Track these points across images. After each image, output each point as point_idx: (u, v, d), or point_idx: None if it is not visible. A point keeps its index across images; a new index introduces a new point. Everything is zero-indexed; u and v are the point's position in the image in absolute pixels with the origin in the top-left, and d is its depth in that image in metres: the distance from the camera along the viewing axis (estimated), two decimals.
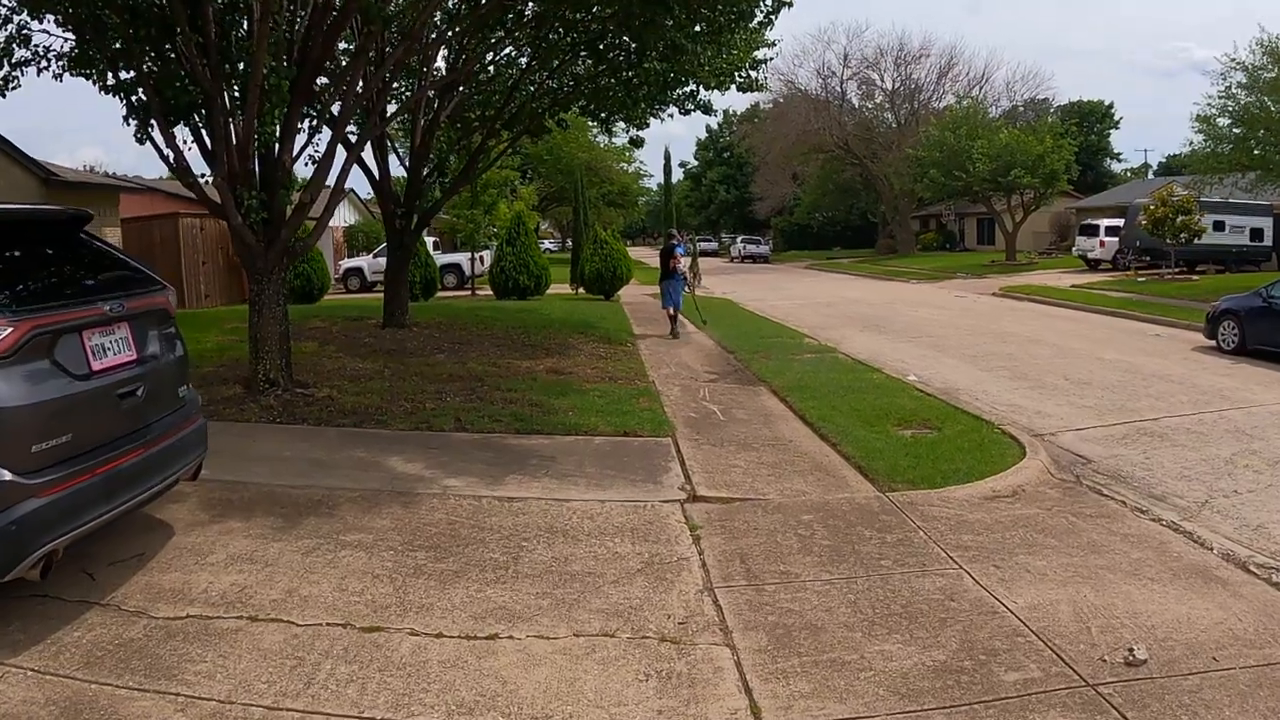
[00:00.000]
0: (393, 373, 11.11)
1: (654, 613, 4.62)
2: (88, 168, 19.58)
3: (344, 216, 37.90)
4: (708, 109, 15.66)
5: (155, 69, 8.61)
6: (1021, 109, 53.72)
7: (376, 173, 15.26)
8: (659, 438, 8.28)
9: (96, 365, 4.49)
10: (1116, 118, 68.60)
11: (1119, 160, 71.15)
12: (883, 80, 55.33)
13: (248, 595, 4.72)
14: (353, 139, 12.37)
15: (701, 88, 14.63)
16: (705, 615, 4.61)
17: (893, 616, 4.60)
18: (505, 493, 6.54)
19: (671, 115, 16.80)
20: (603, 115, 16.08)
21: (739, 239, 62.87)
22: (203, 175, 8.91)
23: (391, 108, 15.30)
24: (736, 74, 14.22)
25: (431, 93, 15.43)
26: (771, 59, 14.57)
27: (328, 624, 4.40)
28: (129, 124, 8.86)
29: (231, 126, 8.53)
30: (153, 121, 8.60)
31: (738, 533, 5.88)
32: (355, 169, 15.31)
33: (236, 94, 8.62)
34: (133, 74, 8.46)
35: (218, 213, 8.96)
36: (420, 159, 15.43)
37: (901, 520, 6.12)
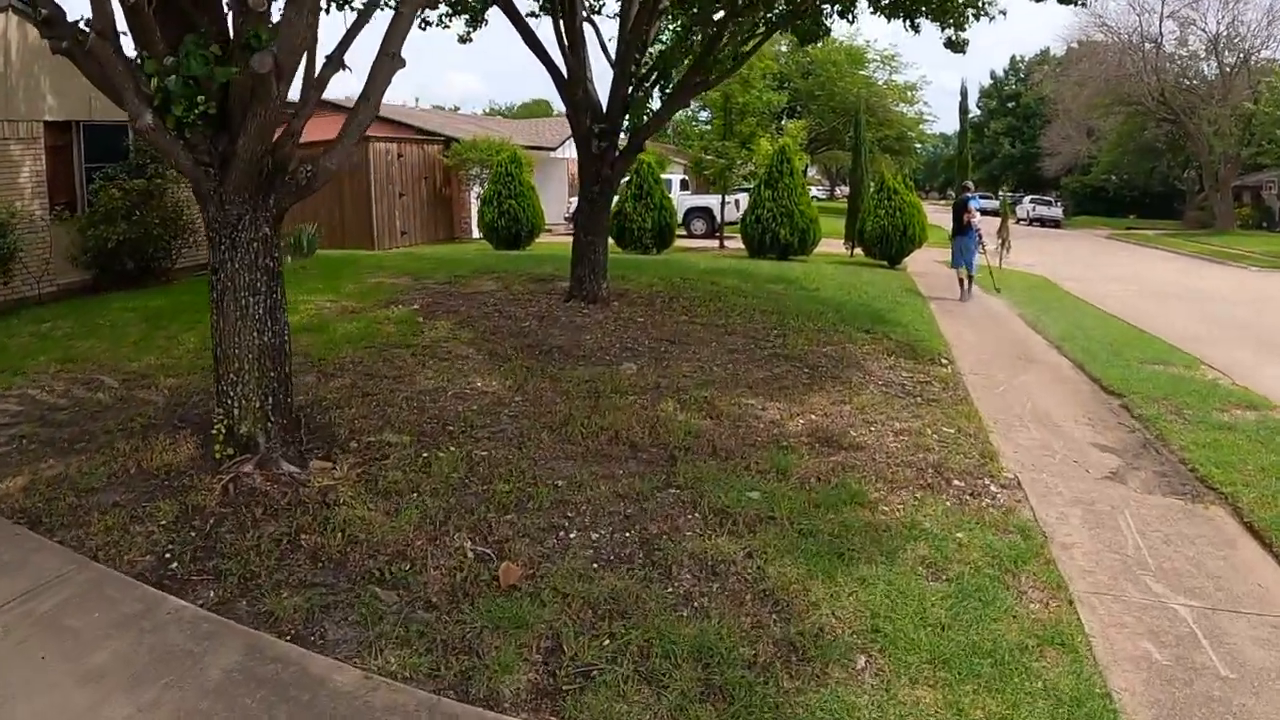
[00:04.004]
0: (517, 414, 6.10)
1: None
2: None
3: None
4: None
5: None
6: None
7: (565, 70, 10.16)
8: None
9: None
10: None
11: None
12: (1204, 21, 43.27)
13: None
14: None
15: None
16: None
17: None
18: None
19: (1004, 12, 10.56)
20: (903, 11, 10.87)
21: (1025, 198, 53.70)
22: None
23: None
24: None
25: None
26: None
27: None
28: None
29: None
30: None
31: None
32: (537, 64, 10.01)
33: None
34: None
35: (118, 101, 4.19)
36: (631, 55, 10.19)
37: None
